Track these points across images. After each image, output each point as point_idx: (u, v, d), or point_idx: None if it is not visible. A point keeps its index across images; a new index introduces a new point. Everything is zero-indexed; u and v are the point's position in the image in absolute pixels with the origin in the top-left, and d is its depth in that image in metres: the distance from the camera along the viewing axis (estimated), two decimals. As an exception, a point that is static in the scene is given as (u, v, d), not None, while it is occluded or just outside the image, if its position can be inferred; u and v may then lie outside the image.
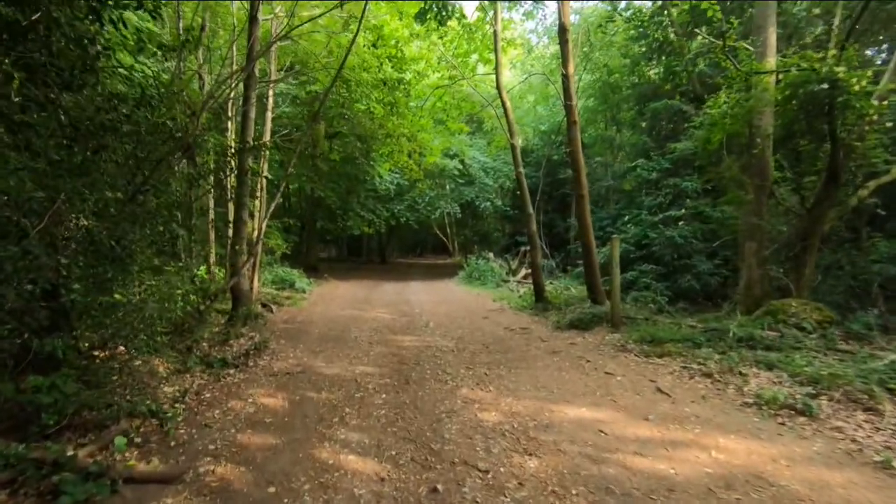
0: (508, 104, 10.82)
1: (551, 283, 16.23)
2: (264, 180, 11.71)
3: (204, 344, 6.56)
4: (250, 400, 4.59)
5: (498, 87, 10.87)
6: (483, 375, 5.70)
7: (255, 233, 10.94)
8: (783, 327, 6.23)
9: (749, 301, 7.43)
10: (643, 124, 15.41)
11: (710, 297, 10.10)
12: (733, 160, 7.50)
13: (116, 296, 4.05)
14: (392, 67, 8.83)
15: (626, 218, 12.39)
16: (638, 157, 13.91)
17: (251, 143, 7.94)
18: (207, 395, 4.59)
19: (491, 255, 19.45)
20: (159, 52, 6.06)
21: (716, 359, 5.73)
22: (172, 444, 3.71)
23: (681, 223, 9.74)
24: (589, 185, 20.21)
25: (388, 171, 18.70)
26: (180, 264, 5.26)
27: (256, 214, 10.66)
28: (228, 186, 6.57)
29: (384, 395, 4.94)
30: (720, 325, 6.71)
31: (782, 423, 4.11)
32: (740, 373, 5.27)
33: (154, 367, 4.70)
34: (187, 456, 3.52)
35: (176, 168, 5.19)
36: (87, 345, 4.16)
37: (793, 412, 4.27)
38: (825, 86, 5.83)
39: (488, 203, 19.93)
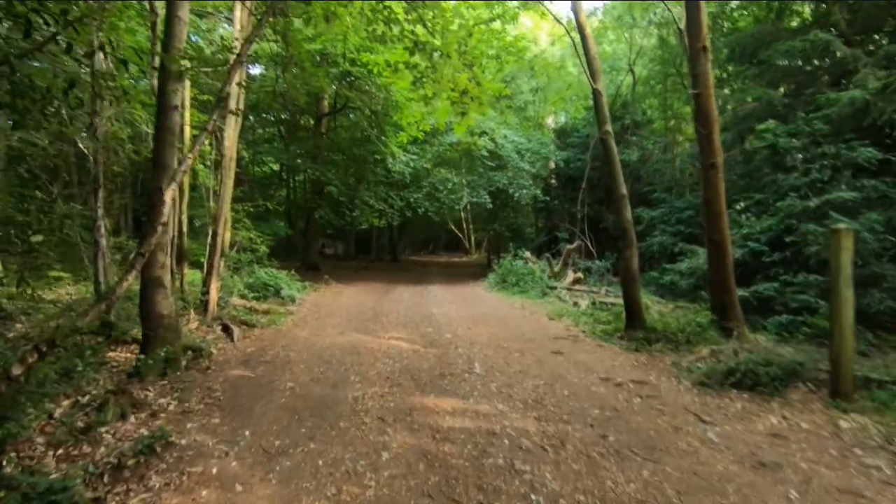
0: (588, 31, 7.31)
1: (607, 290, 12.71)
2: (233, 145, 8.38)
3: (39, 441, 3.17)
4: None
5: (575, 12, 7.35)
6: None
7: (221, 225, 7.64)
8: None
9: None
10: (735, 86, 11.79)
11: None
12: None
13: None
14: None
15: (741, 205, 8.80)
16: (738, 125, 10.32)
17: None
18: None
19: (528, 253, 15.94)
20: None
21: None
22: None
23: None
24: (650, 170, 16.66)
25: (404, 150, 15.24)
26: None
27: (214, 194, 7.32)
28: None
29: None
30: None
31: None
32: None
33: None
34: None
35: None
36: None
37: None
38: None
39: (524, 191, 16.38)
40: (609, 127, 7.04)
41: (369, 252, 27.36)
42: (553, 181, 21.50)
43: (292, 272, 12.42)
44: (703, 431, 3.85)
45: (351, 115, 17.25)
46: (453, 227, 36.61)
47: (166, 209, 4.57)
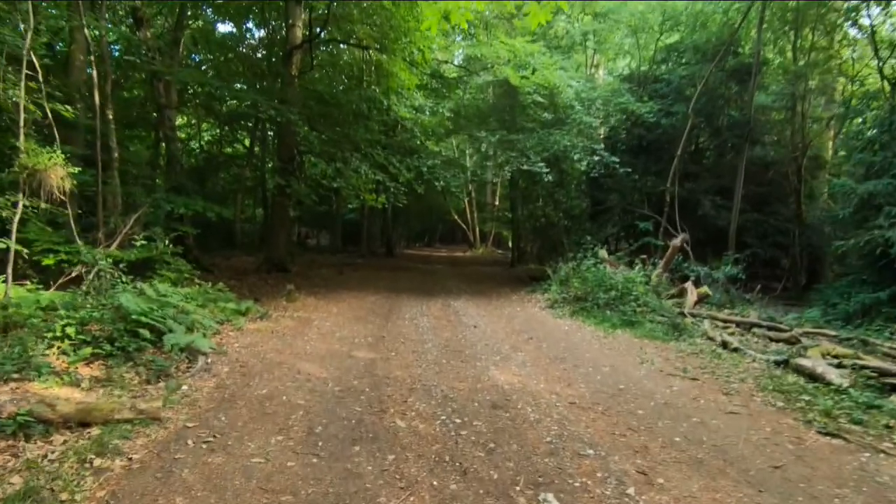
0: None
1: (802, 329, 7.21)
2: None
3: None
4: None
5: None
6: None
7: None
8: None
9: None
10: None
11: None
12: None
13: None
14: None
15: None
16: None
17: None
18: None
19: (604, 252, 10.42)
20: None
21: None
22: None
23: None
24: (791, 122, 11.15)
25: (417, 82, 9.52)
26: None
27: None
28: None
29: None
30: None
31: None
32: None
33: None
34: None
35: None
36: None
37: None
38: None
39: (596, 157, 10.76)
40: None
41: (359, 243, 21.48)
42: (604, 150, 15.38)
43: (218, 286, 6.71)
44: None
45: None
46: (457, 218, 30.81)
47: None
